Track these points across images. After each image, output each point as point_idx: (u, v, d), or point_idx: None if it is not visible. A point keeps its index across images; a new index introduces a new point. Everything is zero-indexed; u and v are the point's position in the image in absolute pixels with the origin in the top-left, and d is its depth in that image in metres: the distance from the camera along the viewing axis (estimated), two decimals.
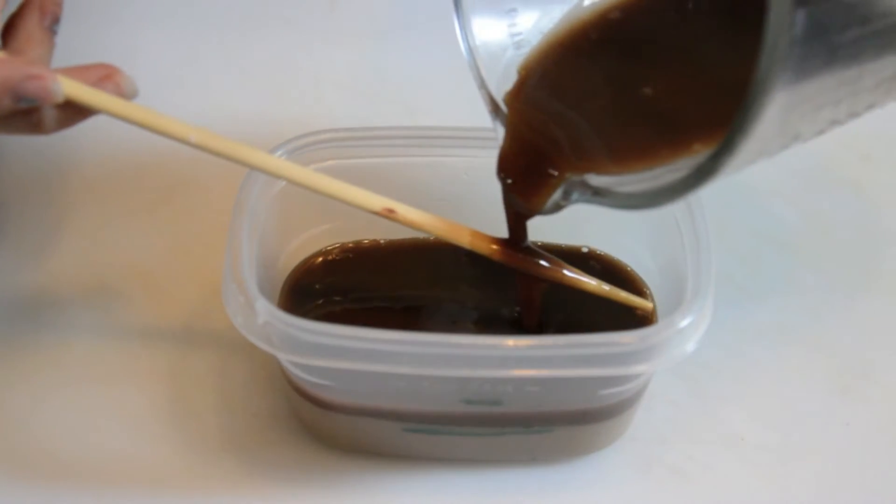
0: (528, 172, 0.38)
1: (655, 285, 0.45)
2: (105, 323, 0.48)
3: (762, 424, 0.45)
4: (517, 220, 0.40)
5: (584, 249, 0.47)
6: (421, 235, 0.45)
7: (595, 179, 0.36)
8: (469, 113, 0.44)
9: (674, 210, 0.42)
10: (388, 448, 0.43)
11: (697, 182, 0.30)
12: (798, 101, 0.28)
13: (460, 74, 0.41)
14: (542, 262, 0.41)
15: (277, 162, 0.38)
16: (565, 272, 0.41)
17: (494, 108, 0.39)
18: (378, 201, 0.39)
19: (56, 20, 0.38)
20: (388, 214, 0.39)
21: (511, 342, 0.37)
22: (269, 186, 0.42)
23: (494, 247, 0.40)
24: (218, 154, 0.37)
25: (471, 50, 0.39)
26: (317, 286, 0.45)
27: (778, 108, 0.27)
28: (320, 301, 0.45)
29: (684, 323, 0.37)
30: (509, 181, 0.39)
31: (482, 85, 0.39)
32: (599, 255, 0.47)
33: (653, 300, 0.45)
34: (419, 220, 0.39)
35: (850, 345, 0.48)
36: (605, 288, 0.42)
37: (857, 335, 0.49)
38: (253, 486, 0.43)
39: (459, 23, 0.39)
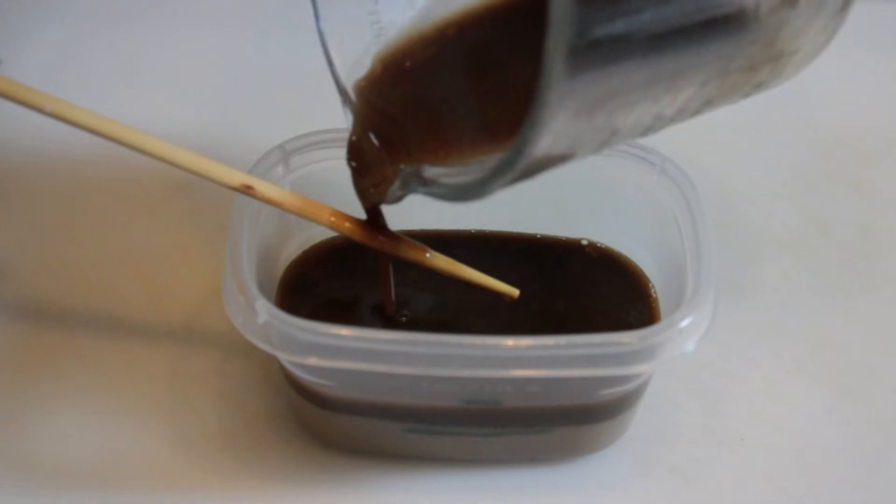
0: (371, 160, 0.39)
1: (656, 285, 0.45)
2: (105, 323, 0.48)
3: (762, 424, 0.45)
4: (370, 205, 0.40)
5: (584, 242, 0.47)
6: (418, 228, 0.45)
7: (428, 170, 0.36)
8: None
9: (674, 210, 0.42)
10: (388, 448, 0.43)
11: (501, 173, 0.30)
12: (599, 98, 0.28)
13: None
14: (402, 245, 0.41)
15: (129, 132, 0.37)
16: (426, 255, 0.41)
17: (344, 95, 0.39)
18: (236, 177, 0.38)
19: None
20: (246, 191, 0.39)
21: (511, 342, 0.36)
22: None
23: (354, 227, 0.40)
24: (72, 123, 0.36)
25: (323, 33, 0.39)
26: (315, 279, 0.45)
27: (572, 103, 0.27)
28: (318, 294, 0.45)
29: (684, 323, 0.37)
30: (355, 165, 0.39)
31: (333, 72, 0.39)
32: (600, 247, 0.47)
33: (655, 294, 0.45)
34: (278, 197, 0.39)
35: (849, 345, 0.48)
36: (472, 273, 0.42)
37: (856, 335, 0.49)
38: (253, 485, 0.43)
39: (315, 5, 0.39)
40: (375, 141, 0.39)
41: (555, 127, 0.28)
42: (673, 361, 0.38)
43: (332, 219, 0.40)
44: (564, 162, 0.31)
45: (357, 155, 0.39)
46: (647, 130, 0.32)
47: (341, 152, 0.44)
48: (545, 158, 0.30)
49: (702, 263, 0.39)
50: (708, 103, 0.33)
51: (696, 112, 0.33)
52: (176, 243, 0.51)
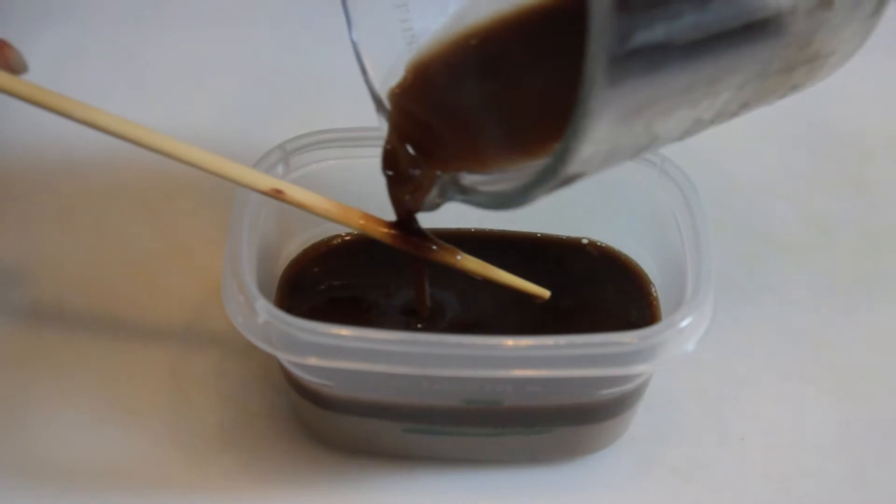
0: (407, 168, 0.38)
1: (656, 284, 0.45)
2: (105, 322, 0.48)
3: (762, 424, 0.45)
4: (405, 213, 0.40)
5: (584, 241, 0.47)
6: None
7: (465, 178, 0.36)
8: None
9: (674, 210, 0.42)
10: (388, 448, 0.43)
11: (543, 181, 0.30)
12: (639, 105, 0.28)
13: None
14: (434, 248, 0.41)
15: (159, 138, 0.37)
16: (458, 257, 0.41)
17: (378, 104, 0.39)
18: (265, 181, 0.38)
19: None
20: (276, 195, 0.38)
21: (511, 342, 0.36)
22: None
23: (386, 230, 0.40)
24: (104, 130, 0.35)
25: (356, 43, 0.39)
26: (315, 279, 0.45)
27: (612, 111, 0.27)
28: (318, 294, 0.45)
29: (684, 323, 0.37)
30: (391, 174, 0.39)
31: (367, 81, 0.39)
32: (600, 246, 0.47)
33: (655, 293, 0.45)
34: (307, 200, 0.39)
35: (850, 345, 0.48)
36: (503, 274, 0.42)
37: (857, 335, 0.49)
38: (252, 485, 0.43)
39: (348, 14, 0.38)
40: (411, 149, 0.38)
41: (596, 135, 0.28)
42: (673, 361, 0.38)
43: (363, 222, 0.40)
44: (603, 169, 0.31)
45: (392, 163, 0.39)
46: (685, 134, 0.32)
47: (341, 152, 0.44)
48: (586, 166, 0.30)
49: (702, 263, 0.39)
50: (745, 105, 0.33)
51: (734, 115, 0.33)
52: (176, 243, 0.51)
